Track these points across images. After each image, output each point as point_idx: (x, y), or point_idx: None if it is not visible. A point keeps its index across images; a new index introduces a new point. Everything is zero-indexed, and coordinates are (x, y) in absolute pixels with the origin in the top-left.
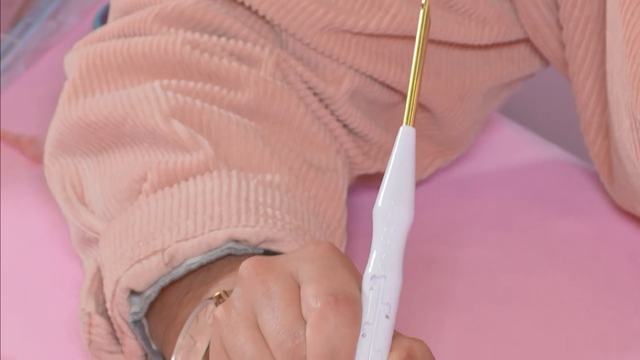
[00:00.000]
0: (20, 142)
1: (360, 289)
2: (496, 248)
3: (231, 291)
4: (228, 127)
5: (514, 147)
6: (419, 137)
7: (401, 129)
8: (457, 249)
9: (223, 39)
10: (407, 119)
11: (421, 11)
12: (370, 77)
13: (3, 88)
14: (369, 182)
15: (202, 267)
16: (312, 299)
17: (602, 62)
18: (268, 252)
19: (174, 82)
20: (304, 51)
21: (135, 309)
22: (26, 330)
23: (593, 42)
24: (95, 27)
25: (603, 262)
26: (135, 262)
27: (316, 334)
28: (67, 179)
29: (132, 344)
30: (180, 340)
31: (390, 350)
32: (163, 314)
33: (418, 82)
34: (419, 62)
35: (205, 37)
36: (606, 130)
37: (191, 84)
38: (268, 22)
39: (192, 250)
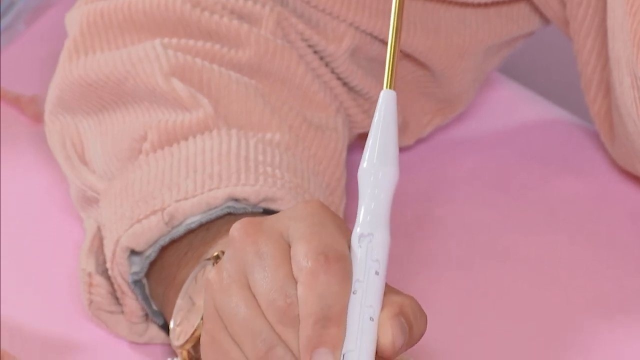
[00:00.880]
0: (21, 101)
1: (349, 246)
2: (495, 208)
3: None
4: (228, 86)
5: (513, 106)
6: (419, 94)
7: (382, 92)
8: (455, 209)
9: None
10: (388, 82)
11: None
12: (371, 34)
13: (3, 47)
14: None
15: (202, 226)
16: (302, 258)
17: (603, 20)
18: (267, 211)
19: (174, 40)
20: (304, 9)
21: (135, 268)
22: (26, 290)
23: (594, 0)
24: None
25: (603, 221)
26: (135, 222)
27: (308, 292)
28: (67, 138)
29: (132, 304)
30: (179, 301)
31: (382, 307)
32: (163, 274)
33: (397, 43)
34: (397, 23)
35: None
36: (606, 88)
37: (191, 42)
38: None
39: (191, 209)
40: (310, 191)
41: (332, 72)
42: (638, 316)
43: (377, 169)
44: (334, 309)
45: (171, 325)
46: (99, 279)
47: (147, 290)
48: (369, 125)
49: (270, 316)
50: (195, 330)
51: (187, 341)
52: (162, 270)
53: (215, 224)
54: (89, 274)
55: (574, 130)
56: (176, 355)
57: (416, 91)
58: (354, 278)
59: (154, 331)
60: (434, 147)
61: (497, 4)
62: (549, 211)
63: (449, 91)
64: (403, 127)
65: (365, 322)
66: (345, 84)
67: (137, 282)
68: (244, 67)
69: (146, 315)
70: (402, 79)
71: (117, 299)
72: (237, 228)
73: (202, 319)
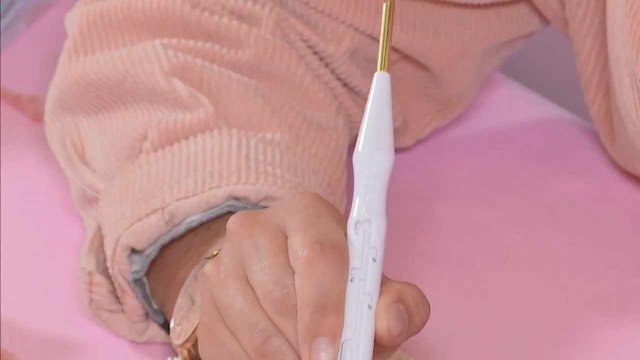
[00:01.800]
0: (21, 101)
1: (346, 235)
2: (495, 207)
3: None
4: (228, 85)
5: (513, 106)
6: (418, 95)
7: (376, 74)
8: (455, 209)
9: None
10: (382, 64)
11: None
12: (370, 35)
13: (3, 46)
14: None
15: (202, 225)
16: (298, 248)
17: (602, 20)
18: None
19: (174, 40)
20: (304, 10)
21: (135, 267)
22: (26, 289)
23: (593, 0)
24: None
25: (603, 221)
26: (135, 221)
27: (305, 282)
28: (67, 138)
29: (132, 302)
30: (179, 300)
31: (380, 294)
32: (163, 272)
33: (390, 26)
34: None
35: None
36: (606, 88)
37: (191, 42)
38: None
39: (192, 208)
40: (310, 190)
41: (332, 72)
42: (638, 316)
43: (373, 154)
44: (332, 297)
45: (171, 324)
46: (99, 278)
47: (147, 289)
48: None
49: (267, 307)
50: (196, 329)
51: (187, 340)
52: (162, 269)
53: (216, 223)
54: (90, 273)
55: (574, 130)
56: (176, 355)
57: (415, 92)
58: (351, 266)
59: (154, 330)
60: (433, 147)
61: (497, 4)
62: (549, 211)
63: (449, 92)
64: (402, 128)
65: (363, 309)
66: (345, 84)
67: (137, 281)
68: (243, 68)
69: (146, 314)
70: (402, 80)
71: (117, 297)
72: (233, 221)
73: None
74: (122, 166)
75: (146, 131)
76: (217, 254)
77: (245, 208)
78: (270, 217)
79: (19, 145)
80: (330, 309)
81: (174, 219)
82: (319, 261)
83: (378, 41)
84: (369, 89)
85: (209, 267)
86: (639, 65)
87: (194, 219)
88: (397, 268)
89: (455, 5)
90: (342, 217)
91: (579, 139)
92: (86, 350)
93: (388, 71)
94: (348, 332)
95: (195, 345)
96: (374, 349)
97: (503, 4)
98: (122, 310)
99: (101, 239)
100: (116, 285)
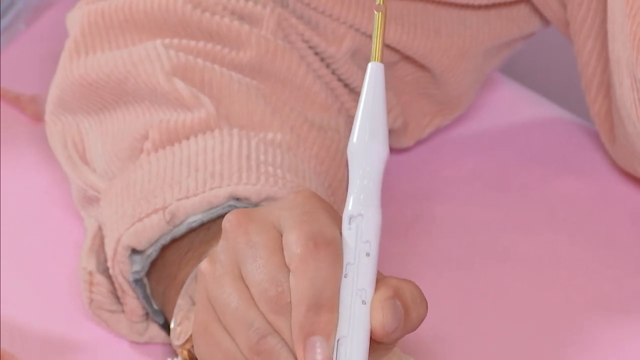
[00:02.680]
0: (21, 101)
1: (341, 231)
2: (496, 207)
3: None
4: (230, 86)
5: (513, 106)
6: (419, 95)
7: (369, 65)
8: (455, 208)
9: None
10: (375, 55)
11: None
12: (370, 36)
13: (3, 47)
14: None
15: (203, 225)
16: (293, 246)
17: (603, 21)
18: None
19: (175, 41)
20: (305, 10)
21: (136, 267)
22: (27, 289)
23: (594, 1)
24: None
25: (603, 221)
26: (136, 221)
27: (299, 279)
28: (68, 138)
29: (133, 303)
30: (180, 301)
31: (376, 289)
32: (164, 273)
33: (383, 17)
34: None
35: None
36: (607, 89)
37: (192, 42)
38: None
39: (193, 208)
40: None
41: (333, 73)
42: (638, 316)
43: (367, 146)
44: (326, 295)
45: (172, 324)
46: (99, 278)
47: (147, 290)
48: None
49: (262, 306)
50: None
51: (187, 340)
52: (163, 269)
53: (216, 223)
54: (90, 273)
55: (574, 131)
56: (176, 355)
57: (416, 92)
58: (345, 261)
59: (155, 330)
60: (434, 147)
61: (498, 5)
62: (549, 211)
63: (449, 92)
64: (403, 128)
65: (357, 305)
66: (346, 85)
67: (137, 281)
68: (245, 68)
69: (147, 314)
70: (402, 80)
71: (117, 298)
72: (229, 219)
73: None
74: (123, 166)
75: (147, 131)
76: None
77: (246, 208)
78: (266, 215)
79: (19, 145)
80: (325, 306)
81: (175, 219)
82: (312, 259)
83: None
84: None
85: (204, 264)
86: (639, 67)
87: (195, 219)
88: (396, 268)
89: (456, 6)
90: (336, 213)
91: (579, 139)
92: (86, 350)
93: (382, 62)
94: (343, 329)
95: None
96: (370, 346)
97: (504, 4)
98: (123, 311)
99: (102, 239)
100: (117, 285)
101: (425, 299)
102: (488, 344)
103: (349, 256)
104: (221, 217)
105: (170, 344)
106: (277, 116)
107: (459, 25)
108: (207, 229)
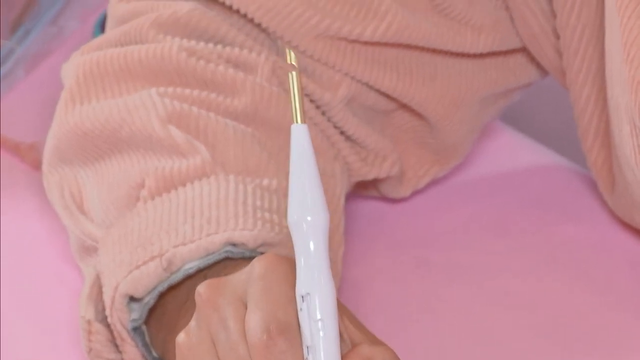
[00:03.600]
0: (20, 149)
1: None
2: (495, 253)
3: None
4: (225, 132)
5: (512, 153)
6: (415, 145)
7: (292, 127)
8: (455, 255)
9: (219, 46)
10: (295, 116)
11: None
12: (366, 84)
13: (3, 94)
14: (364, 191)
15: (200, 272)
16: (251, 337)
17: (600, 70)
18: None
19: (170, 89)
20: (300, 58)
21: (134, 315)
22: (26, 334)
23: (590, 50)
24: (95, 32)
25: (602, 268)
26: (133, 268)
27: None
28: (65, 188)
29: (132, 351)
30: None
31: None
32: (163, 321)
33: (298, 76)
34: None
35: (202, 44)
36: (603, 138)
37: (187, 91)
38: (264, 30)
39: (190, 254)
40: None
41: (329, 120)
42: None
43: (303, 220)
44: None
45: None
46: (98, 327)
47: (146, 337)
48: (368, 173)
49: None
50: None
51: None
52: (162, 317)
53: (213, 270)
54: (89, 321)
55: (572, 177)
56: None
57: (412, 142)
58: (304, 343)
59: None
60: (431, 195)
61: (494, 54)
62: (548, 257)
63: (445, 141)
64: (399, 178)
65: None
66: (342, 132)
67: (136, 329)
68: (240, 115)
69: None
70: (399, 129)
71: (117, 346)
72: (199, 293)
73: None
74: (120, 214)
75: (143, 179)
76: None
77: (242, 254)
78: (233, 289)
79: (18, 192)
80: None
81: (172, 266)
82: (268, 352)
83: (375, 89)
84: (366, 137)
85: (181, 337)
86: (637, 111)
87: (192, 266)
88: (395, 314)
89: (452, 54)
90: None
91: (577, 186)
92: None
93: (304, 122)
94: None
95: None
96: None
97: (500, 53)
98: (122, 359)
99: (100, 287)
100: (115, 333)
101: None
102: None
103: (306, 338)
104: (218, 262)
105: None
106: (273, 162)
107: (454, 73)
108: (204, 276)
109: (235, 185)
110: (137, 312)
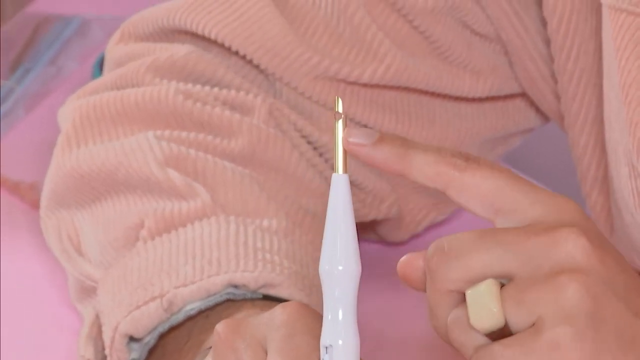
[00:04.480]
0: (20, 189)
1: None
2: None
3: None
4: (223, 174)
5: None
6: (414, 190)
7: (333, 176)
8: None
9: (216, 89)
10: (337, 165)
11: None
12: (365, 125)
13: (3, 133)
14: (363, 234)
15: (201, 313)
16: None
17: (597, 115)
18: (267, 297)
19: (167, 132)
20: (298, 99)
21: (134, 355)
22: None
23: (588, 94)
24: (94, 72)
25: None
26: (134, 308)
27: None
28: (63, 231)
29: None
30: None
31: None
32: None
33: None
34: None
35: (198, 87)
36: (601, 184)
37: (184, 133)
38: (262, 72)
39: (191, 296)
40: (309, 277)
41: (326, 161)
42: None
43: (332, 268)
44: None
45: None
46: None
47: None
48: (366, 215)
49: None
50: None
51: None
52: (162, 358)
53: (215, 311)
54: None
55: None
56: None
57: (411, 185)
58: None
59: None
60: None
61: (493, 99)
62: None
63: None
64: (398, 221)
65: None
66: None
67: None
68: (237, 157)
69: None
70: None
71: None
72: (218, 332)
73: None
74: (118, 255)
75: (142, 220)
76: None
77: (244, 295)
78: (253, 332)
79: (18, 231)
80: None
81: (172, 307)
82: None
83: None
84: (364, 179)
85: None
86: (636, 153)
87: (193, 307)
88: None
89: (451, 97)
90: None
91: None
92: None
93: (346, 172)
94: None
95: None
96: None
97: (499, 98)
98: None
99: (100, 327)
100: None
101: None
102: None
103: None
104: (219, 304)
105: None
106: (272, 203)
107: (453, 117)
108: (206, 317)
109: (235, 227)
110: (137, 352)
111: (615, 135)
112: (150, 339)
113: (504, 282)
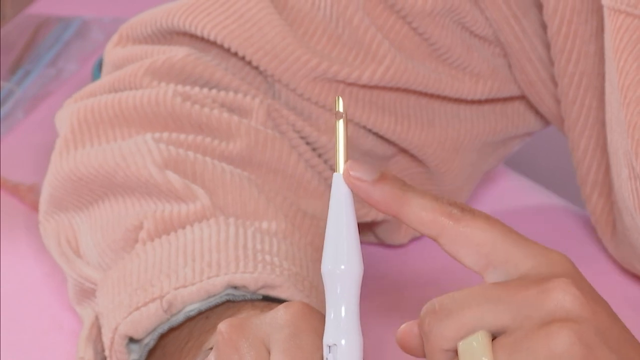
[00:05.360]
0: (19, 190)
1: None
2: None
3: None
4: (222, 177)
5: (513, 196)
6: None
7: (334, 176)
8: None
9: (214, 91)
10: (339, 165)
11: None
12: (364, 127)
13: (2, 135)
14: (362, 236)
15: (201, 314)
16: None
17: (597, 118)
18: (267, 298)
19: (165, 134)
20: (297, 101)
21: (134, 356)
22: None
23: (588, 98)
24: (94, 74)
25: None
26: (133, 310)
27: None
28: (62, 234)
29: None
30: None
31: None
32: None
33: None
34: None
35: (196, 89)
36: (602, 187)
37: (182, 136)
38: (261, 73)
39: (190, 297)
40: (309, 278)
41: (325, 162)
42: None
43: (334, 268)
44: None
45: None
46: None
47: None
48: (365, 215)
49: None
50: None
51: None
52: (162, 358)
53: (215, 312)
54: None
55: (575, 220)
56: None
57: None
58: None
59: None
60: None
61: (492, 101)
62: None
63: (444, 188)
64: (397, 224)
65: None
66: None
67: None
68: (235, 159)
69: None
70: (397, 175)
71: None
72: (221, 331)
73: None
74: (117, 257)
75: (141, 221)
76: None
77: (243, 296)
78: (256, 331)
79: (17, 233)
80: None
81: (172, 308)
82: None
83: (372, 133)
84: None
85: None
86: (635, 155)
87: (193, 308)
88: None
89: (450, 99)
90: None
91: (580, 229)
92: None
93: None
94: None
95: None
96: None
97: (498, 100)
98: None
99: (99, 329)
100: None
101: None
102: None
103: None
104: (219, 305)
105: None
106: (271, 205)
107: (452, 118)
108: (206, 318)
109: (235, 229)
110: (137, 353)
111: (615, 137)
112: (150, 340)
113: (495, 335)
